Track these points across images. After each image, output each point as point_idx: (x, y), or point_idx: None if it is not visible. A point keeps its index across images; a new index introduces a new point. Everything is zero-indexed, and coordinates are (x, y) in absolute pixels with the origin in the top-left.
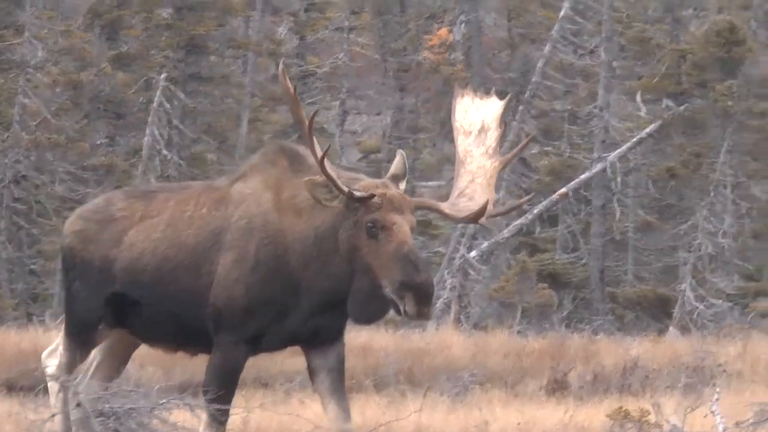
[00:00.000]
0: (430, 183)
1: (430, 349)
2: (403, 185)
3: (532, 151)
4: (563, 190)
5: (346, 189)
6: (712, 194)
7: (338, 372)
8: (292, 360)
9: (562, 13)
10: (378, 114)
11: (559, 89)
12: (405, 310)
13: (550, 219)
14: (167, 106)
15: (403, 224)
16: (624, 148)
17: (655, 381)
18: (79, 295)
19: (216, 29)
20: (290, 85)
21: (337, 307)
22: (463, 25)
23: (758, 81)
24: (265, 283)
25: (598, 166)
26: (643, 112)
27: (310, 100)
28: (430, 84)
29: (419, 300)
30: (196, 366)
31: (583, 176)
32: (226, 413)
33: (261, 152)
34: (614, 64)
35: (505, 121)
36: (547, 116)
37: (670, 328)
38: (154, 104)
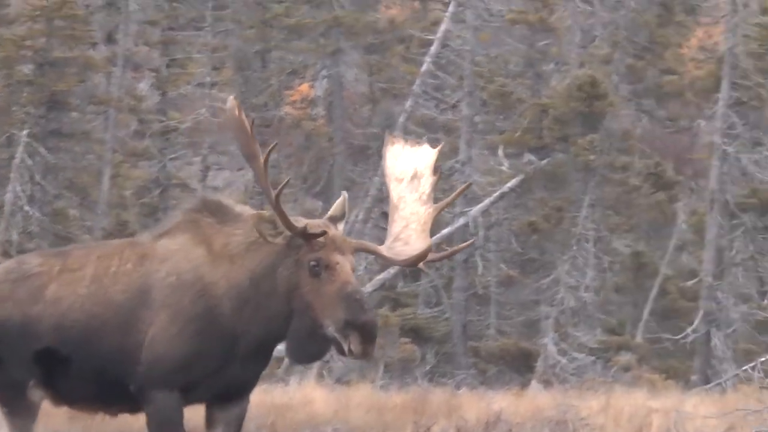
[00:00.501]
0: None
1: (293, 404)
2: (341, 227)
3: None
4: None
5: (298, 225)
6: (574, 248)
7: (236, 428)
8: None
9: (423, 68)
10: (240, 169)
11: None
12: (350, 350)
13: (412, 273)
14: (29, 162)
15: (345, 264)
16: (486, 202)
17: None
18: (4, 357)
19: (77, 85)
20: (245, 119)
21: (261, 355)
22: (324, 80)
23: (620, 135)
24: (202, 336)
25: (461, 221)
26: (505, 167)
27: (172, 155)
28: (292, 139)
29: (365, 339)
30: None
31: (445, 231)
32: None
33: (182, 210)
34: (476, 118)
35: (439, 169)
36: None
37: (533, 382)
38: (17, 160)
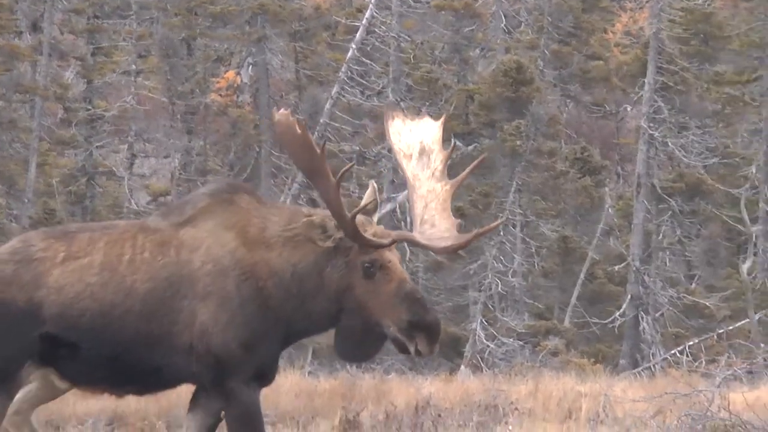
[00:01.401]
0: None
1: None
2: (376, 217)
3: None
4: None
5: (374, 240)
6: (501, 234)
7: (216, 418)
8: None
9: (349, 55)
10: (166, 157)
11: (347, 130)
12: (417, 350)
13: None
14: None
15: (396, 262)
16: None
17: (447, 420)
18: (2, 337)
19: (3, 74)
20: (309, 135)
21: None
22: (250, 67)
23: (546, 120)
24: (257, 317)
25: (388, 207)
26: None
27: (98, 143)
28: (219, 126)
29: (431, 338)
30: None
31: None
32: None
33: (209, 193)
34: (402, 104)
35: (449, 143)
36: (335, 157)
37: (462, 367)
38: None
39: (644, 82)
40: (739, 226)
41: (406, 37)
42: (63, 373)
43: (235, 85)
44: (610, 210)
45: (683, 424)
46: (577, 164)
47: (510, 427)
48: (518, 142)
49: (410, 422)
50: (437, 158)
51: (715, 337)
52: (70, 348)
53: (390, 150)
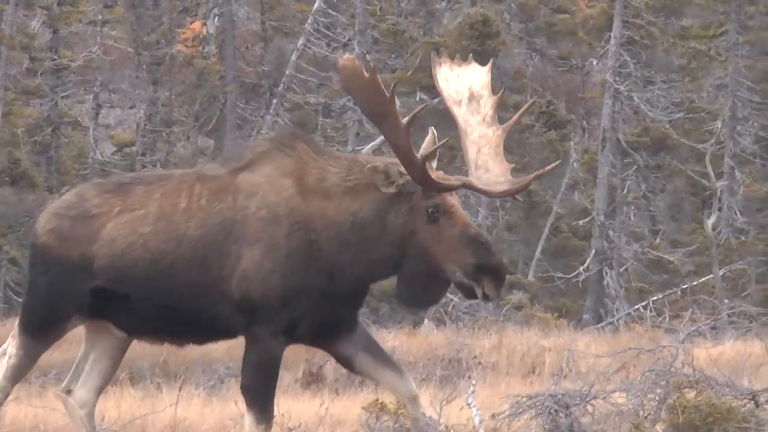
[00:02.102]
0: None
1: None
2: (434, 164)
3: None
4: None
5: (440, 181)
6: None
7: (375, 345)
8: (46, 354)
9: (315, 6)
10: (132, 107)
11: (312, 82)
12: (485, 293)
13: None
14: None
15: (459, 206)
16: (378, 141)
17: (411, 373)
18: (49, 290)
19: None
20: (378, 79)
21: (359, 294)
22: (216, 18)
23: (512, 74)
24: (301, 271)
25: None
26: (397, 105)
27: (63, 94)
28: (184, 77)
29: (497, 281)
30: None
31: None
32: (271, 409)
33: (269, 139)
34: (368, 57)
35: (499, 88)
36: (301, 109)
37: (425, 321)
38: None
39: (610, 36)
40: (703, 181)
41: None
42: (118, 325)
43: (201, 36)
44: (575, 164)
45: (647, 380)
46: (543, 118)
47: (473, 381)
48: None
49: None
50: (487, 103)
51: (679, 292)
52: (122, 300)
53: (355, 102)
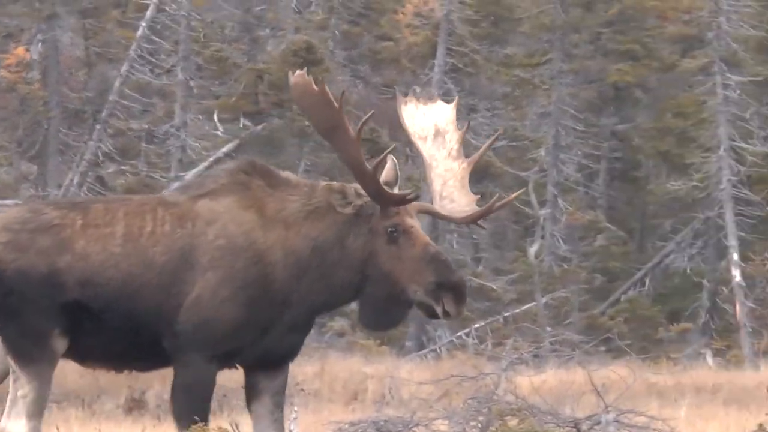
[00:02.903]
0: (6, 201)
1: None
2: (395, 190)
3: (109, 170)
4: None
5: (401, 194)
6: None
7: (281, 396)
8: None
9: (139, 33)
10: None
11: (136, 108)
12: (445, 311)
13: None
14: None
15: (418, 227)
16: (201, 167)
17: (233, 400)
18: (23, 307)
19: None
20: (328, 91)
21: (308, 323)
22: (40, 44)
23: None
24: (256, 302)
25: (176, 186)
26: (220, 132)
27: None
28: (7, 103)
29: (458, 299)
30: None
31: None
32: None
33: (227, 170)
34: (191, 83)
35: (463, 123)
36: (124, 135)
37: None
38: None
39: (434, 63)
40: (526, 209)
41: (197, 15)
42: (79, 346)
43: (25, 62)
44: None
45: (469, 407)
46: (366, 145)
47: (296, 408)
48: (307, 123)
49: None
50: (452, 138)
51: (502, 320)
52: (91, 319)
53: (179, 128)
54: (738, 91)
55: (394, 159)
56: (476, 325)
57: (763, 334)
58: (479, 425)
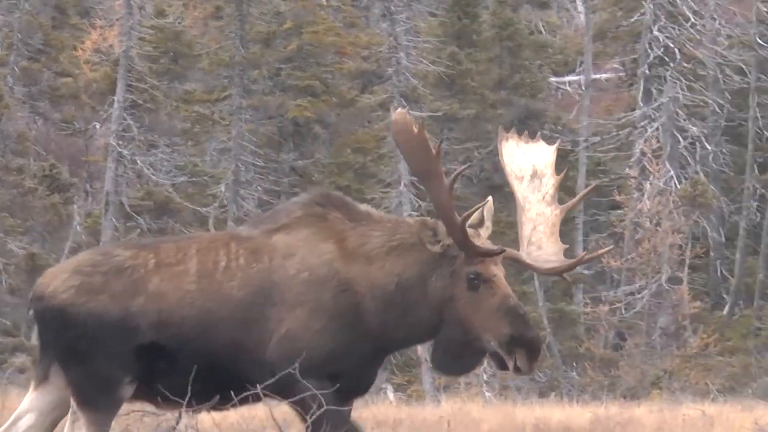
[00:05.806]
0: None
1: None
2: (484, 233)
3: None
4: None
5: (479, 246)
6: None
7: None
8: None
9: None
10: None
11: None
12: (516, 366)
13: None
14: None
15: (502, 276)
16: None
17: None
18: (94, 352)
19: None
20: (426, 135)
21: (383, 359)
22: None
23: (15, 137)
24: (348, 331)
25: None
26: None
27: None
28: None
29: (531, 356)
30: None
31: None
32: None
33: (301, 203)
34: None
35: (561, 168)
36: None
37: None
38: None
39: (113, 99)
40: None
41: None
42: (155, 389)
43: None
44: (78, 227)
45: None
46: (46, 181)
47: None
48: None
49: None
50: (549, 182)
51: None
52: (168, 360)
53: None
54: None
55: (491, 200)
56: None
57: None
58: None
